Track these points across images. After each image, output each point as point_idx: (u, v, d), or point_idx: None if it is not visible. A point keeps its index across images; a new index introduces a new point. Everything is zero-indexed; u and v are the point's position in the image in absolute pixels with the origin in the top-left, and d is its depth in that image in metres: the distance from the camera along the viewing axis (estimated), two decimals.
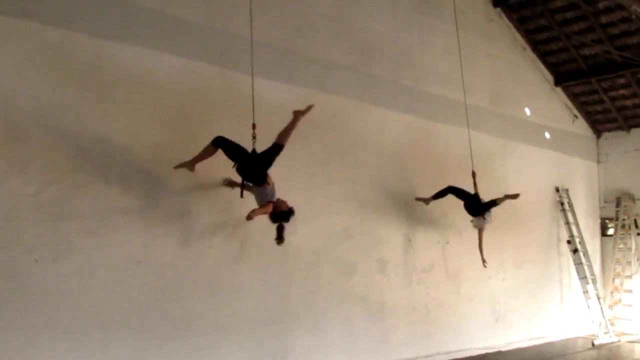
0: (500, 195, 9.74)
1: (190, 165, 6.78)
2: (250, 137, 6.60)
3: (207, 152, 6.70)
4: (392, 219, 9.51)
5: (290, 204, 6.78)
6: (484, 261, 9.65)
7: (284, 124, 6.92)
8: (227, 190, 7.35)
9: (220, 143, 6.61)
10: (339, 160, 8.84)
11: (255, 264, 7.67)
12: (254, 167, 6.61)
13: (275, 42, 8.25)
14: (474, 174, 9.51)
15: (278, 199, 6.74)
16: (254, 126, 6.65)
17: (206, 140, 7.21)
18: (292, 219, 6.78)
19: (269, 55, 8.08)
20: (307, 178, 8.37)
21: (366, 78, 9.42)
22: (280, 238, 6.77)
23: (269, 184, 6.65)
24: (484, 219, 9.53)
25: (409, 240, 9.73)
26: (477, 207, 9.48)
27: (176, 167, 6.76)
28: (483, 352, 10.60)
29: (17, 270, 5.78)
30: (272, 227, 7.74)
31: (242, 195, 6.67)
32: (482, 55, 11.71)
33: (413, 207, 9.80)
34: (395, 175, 9.67)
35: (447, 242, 10.26)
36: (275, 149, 6.71)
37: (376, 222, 9.25)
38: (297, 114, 6.81)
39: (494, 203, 9.51)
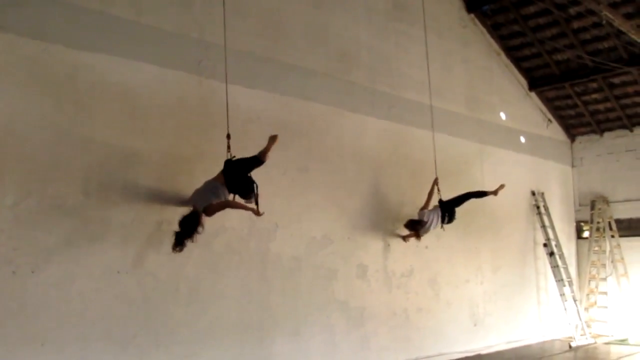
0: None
1: None
2: (223, 143, 6.77)
3: None
4: (371, 224, 9.57)
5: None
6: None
7: (263, 131, 6.97)
8: None
9: None
10: (318, 167, 8.88)
11: (235, 271, 7.68)
12: (236, 174, 6.69)
13: (253, 50, 8.28)
14: (436, 181, 9.73)
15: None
16: (228, 136, 6.72)
17: (185, 150, 7.26)
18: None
19: (247, 64, 8.11)
20: (286, 184, 8.39)
21: (344, 85, 9.49)
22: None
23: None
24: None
25: (388, 245, 9.79)
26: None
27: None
28: (462, 355, 10.68)
29: None
30: (252, 234, 7.82)
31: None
32: (457, 61, 11.85)
33: (391, 212, 9.87)
34: (374, 181, 9.73)
35: (426, 247, 10.33)
36: (255, 160, 6.83)
37: (355, 227, 9.30)
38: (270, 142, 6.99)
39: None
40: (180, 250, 6.62)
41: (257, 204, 6.92)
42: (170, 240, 6.73)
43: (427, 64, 10.15)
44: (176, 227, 6.58)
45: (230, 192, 6.79)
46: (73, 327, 6.18)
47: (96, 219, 6.48)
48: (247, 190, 6.84)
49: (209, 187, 6.68)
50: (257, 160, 6.88)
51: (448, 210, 9.60)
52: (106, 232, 6.54)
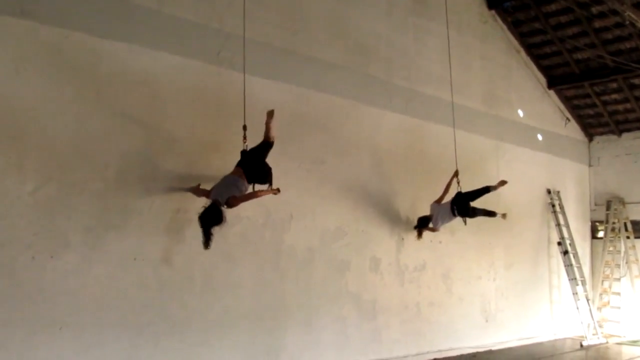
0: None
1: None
2: (241, 133, 6.79)
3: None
4: (385, 218, 9.60)
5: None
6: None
7: (280, 122, 7.00)
8: None
9: None
10: (334, 159, 8.92)
11: (250, 261, 7.75)
12: (252, 163, 6.73)
13: (273, 42, 8.32)
14: (456, 173, 9.64)
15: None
16: (244, 127, 6.76)
17: (203, 138, 7.32)
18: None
19: (265, 55, 8.14)
20: (302, 176, 8.44)
21: (362, 78, 9.50)
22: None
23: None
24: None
25: (402, 239, 9.82)
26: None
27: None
28: (473, 351, 10.72)
29: (15, 267, 5.84)
30: (267, 225, 7.88)
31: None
32: (476, 57, 11.81)
33: (406, 206, 9.89)
34: (389, 175, 9.75)
35: (440, 242, 10.35)
36: (265, 145, 6.87)
37: (370, 221, 9.34)
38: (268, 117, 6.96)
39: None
40: (209, 245, 6.49)
41: (271, 183, 6.96)
42: (188, 229, 6.84)
43: (449, 58, 10.11)
44: (198, 222, 6.46)
45: (249, 182, 6.78)
46: (90, 312, 6.29)
47: (114, 206, 6.57)
48: (265, 175, 6.87)
49: (229, 181, 6.64)
50: (267, 143, 6.88)
51: (459, 203, 9.52)
52: (124, 220, 6.63)
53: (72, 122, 6.34)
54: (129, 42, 6.84)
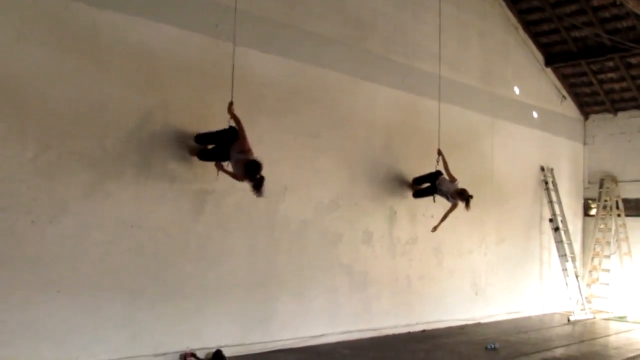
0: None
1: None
2: (240, 106, 6.97)
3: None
4: (378, 192, 9.77)
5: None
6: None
7: (277, 96, 7.13)
8: None
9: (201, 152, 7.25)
10: (329, 133, 9.05)
11: (244, 231, 7.94)
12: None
13: (270, 15, 8.39)
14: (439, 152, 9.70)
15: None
16: (230, 104, 6.94)
17: (200, 110, 7.47)
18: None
19: (263, 28, 8.23)
20: (297, 149, 8.58)
21: (358, 53, 9.58)
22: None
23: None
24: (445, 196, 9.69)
25: (394, 213, 10.01)
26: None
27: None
28: (462, 323, 10.98)
29: (15, 231, 6.01)
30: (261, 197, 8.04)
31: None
32: (474, 34, 11.86)
33: (399, 180, 10.06)
34: (384, 149, 9.90)
35: (432, 216, 10.50)
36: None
37: (363, 194, 9.51)
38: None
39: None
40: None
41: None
42: (184, 198, 7.16)
43: (439, 33, 10.14)
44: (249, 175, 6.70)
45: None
46: (87, 276, 6.48)
47: (112, 173, 6.73)
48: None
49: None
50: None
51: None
52: (121, 188, 6.80)
53: (72, 92, 6.46)
54: (127, 13, 6.92)
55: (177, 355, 7.12)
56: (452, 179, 9.55)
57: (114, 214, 6.72)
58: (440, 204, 10.12)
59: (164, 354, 7.02)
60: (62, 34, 6.44)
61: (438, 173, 9.69)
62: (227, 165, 7.19)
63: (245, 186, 7.78)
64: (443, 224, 9.82)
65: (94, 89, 6.62)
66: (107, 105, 6.71)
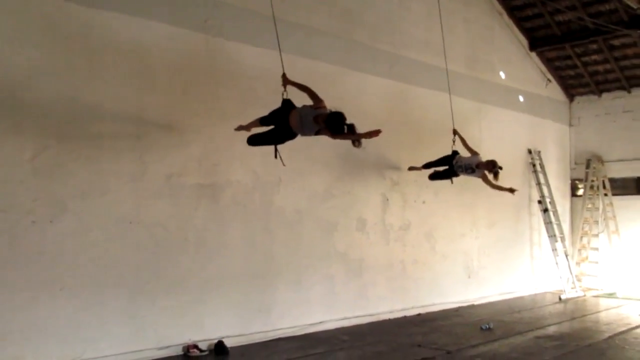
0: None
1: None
2: (232, 100, 7.24)
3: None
4: (371, 180, 9.92)
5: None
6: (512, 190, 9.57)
7: (267, 89, 7.20)
8: (213, 154, 7.67)
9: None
10: None
11: (240, 223, 8.05)
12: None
13: (259, 9, 8.43)
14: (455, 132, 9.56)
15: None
16: (284, 75, 6.69)
17: (192, 106, 7.54)
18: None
19: (252, 22, 8.29)
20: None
21: (346, 43, 9.68)
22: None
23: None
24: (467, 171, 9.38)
25: (387, 200, 10.15)
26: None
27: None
28: (456, 306, 11.18)
29: (16, 231, 6.10)
30: (257, 188, 8.16)
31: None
32: (459, 20, 11.97)
33: (391, 168, 10.20)
34: (374, 138, 9.94)
35: (423, 202, 10.71)
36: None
37: (356, 183, 9.65)
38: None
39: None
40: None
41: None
42: (181, 192, 7.25)
43: (440, 22, 10.23)
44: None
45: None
46: (89, 273, 6.58)
47: (109, 172, 6.81)
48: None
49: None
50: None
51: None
52: (119, 185, 6.88)
53: (66, 91, 6.52)
54: (118, 11, 6.97)
55: (180, 348, 7.26)
56: (474, 153, 9.39)
57: (113, 211, 6.82)
58: (432, 189, 10.29)
59: (167, 347, 7.15)
60: (55, 34, 6.50)
61: (454, 154, 9.47)
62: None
63: (240, 178, 7.95)
64: (436, 208, 9.89)
65: (88, 88, 6.69)
66: (101, 103, 6.78)
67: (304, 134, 6.40)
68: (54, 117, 6.43)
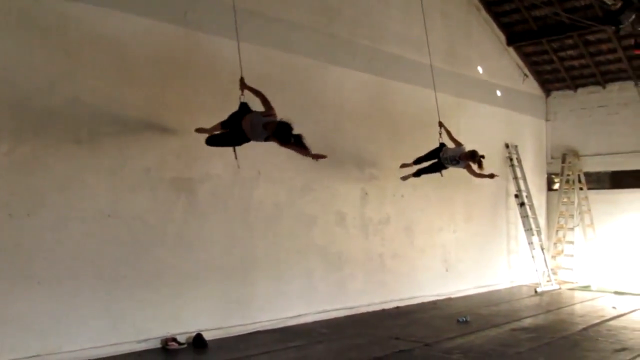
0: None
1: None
2: (211, 94, 7.35)
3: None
4: (349, 174, 9.97)
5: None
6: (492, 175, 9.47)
7: (247, 82, 7.19)
8: (192, 148, 7.63)
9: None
10: (299, 118, 8.90)
11: (220, 217, 8.06)
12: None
13: (238, 3, 8.41)
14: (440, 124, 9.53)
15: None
16: (242, 79, 6.75)
17: (172, 99, 7.52)
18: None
19: (232, 16, 8.25)
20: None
21: (325, 38, 9.71)
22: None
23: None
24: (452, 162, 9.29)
25: (366, 194, 10.21)
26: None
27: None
28: (434, 299, 11.28)
29: None
30: (236, 182, 8.15)
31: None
32: (437, 15, 12.02)
33: (369, 162, 10.26)
34: (353, 132, 10.06)
35: (402, 196, 10.78)
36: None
37: (335, 177, 9.68)
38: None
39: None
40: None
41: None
42: (160, 186, 7.28)
43: (423, 17, 10.26)
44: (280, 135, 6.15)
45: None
46: (67, 267, 6.56)
47: (87, 165, 6.79)
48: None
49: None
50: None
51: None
52: (97, 179, 6.86)
53: (43, 84, 6.48)
54: (95, 4, 6.92)
55: (159, 341, 7.26)
56: (458, 144, 9.32)
57: (91, 205, 6.80)
58: (410, 184, 10.34)
59: (146, 340, 7.15)
60: (31, 27, 6.44)
61: (441, 146, 9.43)
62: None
63: (220, 172, 7.95)
64: (415, 202, 9.93)
65: (65, 81, 6.66)
66: (79, 97, 6.74)
67: (255, 139, 6.51)
68: (31, 110, 6.38)
